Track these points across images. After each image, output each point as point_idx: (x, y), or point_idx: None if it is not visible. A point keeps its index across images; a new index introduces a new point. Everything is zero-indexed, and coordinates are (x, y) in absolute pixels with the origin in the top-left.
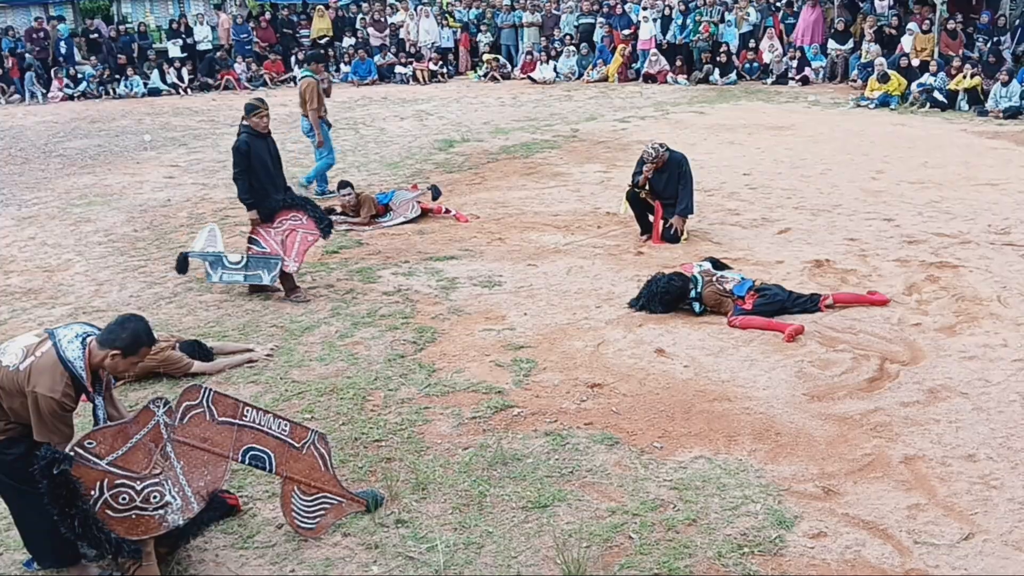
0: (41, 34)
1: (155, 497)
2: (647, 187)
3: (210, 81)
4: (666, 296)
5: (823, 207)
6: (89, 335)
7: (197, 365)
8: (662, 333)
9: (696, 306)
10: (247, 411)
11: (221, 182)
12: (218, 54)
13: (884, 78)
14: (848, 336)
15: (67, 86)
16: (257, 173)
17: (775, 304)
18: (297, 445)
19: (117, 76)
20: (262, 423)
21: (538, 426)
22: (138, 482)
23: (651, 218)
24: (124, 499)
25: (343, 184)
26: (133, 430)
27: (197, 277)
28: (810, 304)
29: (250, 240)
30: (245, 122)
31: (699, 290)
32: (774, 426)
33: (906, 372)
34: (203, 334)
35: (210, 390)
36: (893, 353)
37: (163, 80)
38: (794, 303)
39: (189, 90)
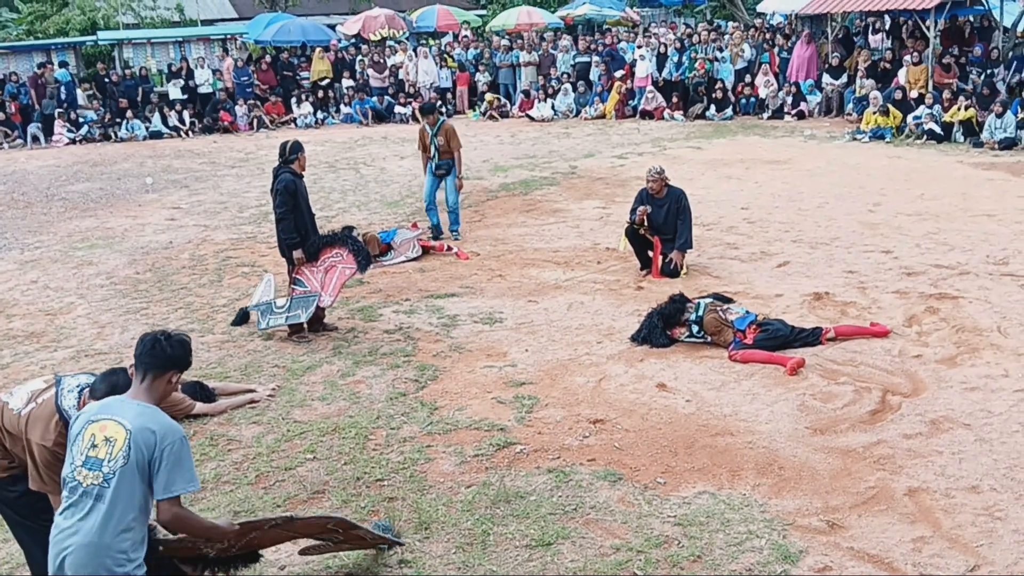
0: (43, 80)
1: None
2: (646, 223)
3: (212, 123)
4: (664, 313)
5: (821, 240)
6: (84, 388)
7: (199, 406)
8: (664, 368)
9: (694, 328)
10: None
11: (223, 223)
12: (219, 96)
13: (885, 112)
14: (849, 368)
15: (69, 130)
16: (302, 213)
17: (777, 339)
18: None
19: (119, 120)
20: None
21: (541, 463)
22: None
23: (650, 253)
24: None
25: (347, 229)
26: None
27: (198, 318)
28: (811, 338)
29: (294, 281)
30: (287, 163)
31: (700, 314)
32: (777, 460)
33: (908, 404)
34: (205, 375)
35: None
36: (895, 385)
37: (164, 123)
38: (796, 337)
39: (190, 133)
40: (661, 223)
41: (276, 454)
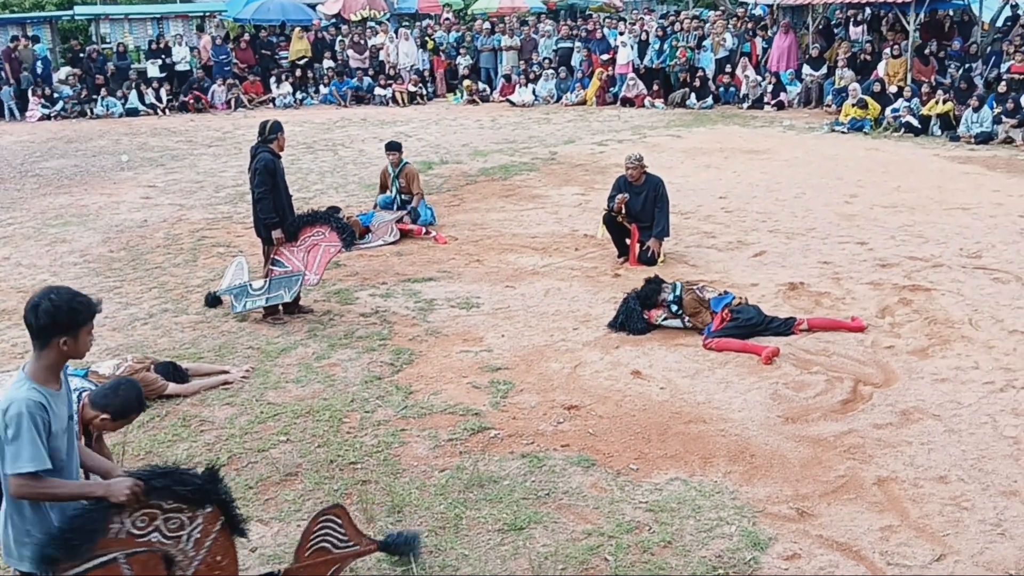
0: (16, 54)
1: None
2: (623, 211)
3: (189, 102)
4: (641, 295)
5: (797, 230)
6: (85, 391)
7: (172, 387)
8: (639, 355)
9: (673, 307)
10: None
11: (199, 203)
12: (197, 75)
13: (863, 104)
14: (822, 358)
15: (43, 105)
16: (280, 193)
17: (747, 327)
18: None
19: (95, 96)
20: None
21: (515, 448)
22: None
23: (628, 241)
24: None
25: (333, 209)
26: None
27: (172, 298)
28: (784, 328)
29: (273, 262)
30: (266, 142)
31: (678, 294)
32: (749, 448)
33: (879, 394)
34: (178, 355)
35: None
36: (866, 375)
37: (141, 100)
38: (767, 326)
39: (167, 111)
40: (639, 211)
41: (249, 436)
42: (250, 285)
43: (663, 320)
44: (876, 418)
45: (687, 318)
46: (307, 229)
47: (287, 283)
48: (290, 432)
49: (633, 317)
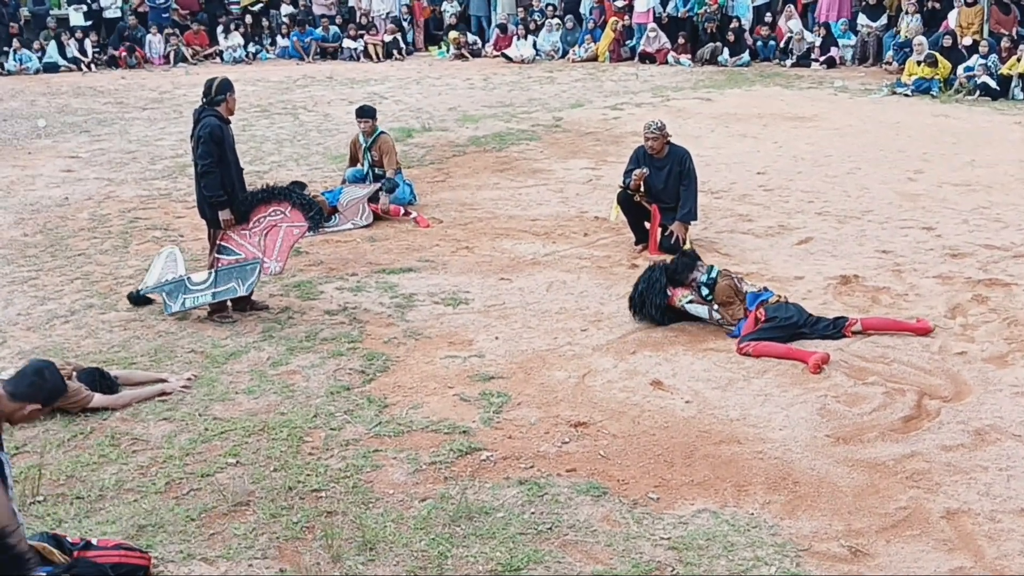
0: None
1: None
2: (642, 188)
3: (119, 55)
4: (669, 268)
5: (851, 213)
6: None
7: (98, 398)
8: (660, 362)
9: (703, 291)
10: None
11: (131, 177)
12: (129, 23)
13: (931, 62)
14: (880, 366)
15: None
16: (229, 166)
17: (786, 328)
18: None
19: (5, 48)
20: None
21: (511, 473)
22: None
23: (647, 224)
24: None
25: (296, 184)
26: None
27: (99, 292)
28: (832, 330)
29: (219, 249)
30: (213, 104)
31: (713, 276)
32: (792, 474)
33: (948, 410)
34: (106, 361)
35: None
36: (933, 387)
37: (62, 54)
38: (812, 328)
39: (93, 66)
40: (661, 188)
41: (191, 457)
42: (188, 279)
43: (686, 302)
44: (945, 438)
45: (716, 307)
46: (262, 208)
47: (240, 274)
48: (240, 453)
49: (654, 290)
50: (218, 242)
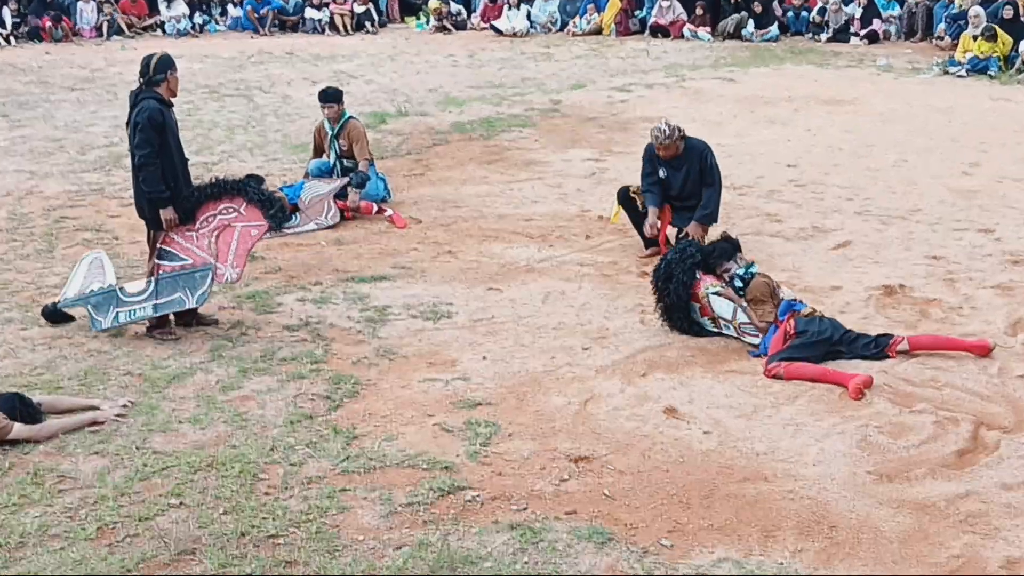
0: None
1: None
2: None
3: (43, 26)
4: (705, 251)
5: (896, 212)
6: None
7: (18, 428)
8: (674, 386)
9: (737, 282)
10: None
11: (56, 169)
12: None
13: (990, 36)
14: (930, 391)
15: None
16: (171, 156)
17: (819, 345)
18: None
19: None
20: None
21: (501, 516)
22: None
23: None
24: None
25: (253, 178)
26: None
27: (19, 304)
28: (875, 349)
29: (160, 254)
30: (152, 84)
31: (752, 271)
32: (828, 516)
33: (1009, 442)
34: (28, 385)
35: None
36: (991, 415)
37: None
38: (850, 346)
39: (13, 39)
40: (678, 190)
41: (127, 498)
42: (120, 289)
43: (712, 293)
44: (1004, 475)
45: (745, 305)
46: (210, 205)
47: (187, 282)
48: (184, 493)
49: (685, 265)
50: (159, 245)
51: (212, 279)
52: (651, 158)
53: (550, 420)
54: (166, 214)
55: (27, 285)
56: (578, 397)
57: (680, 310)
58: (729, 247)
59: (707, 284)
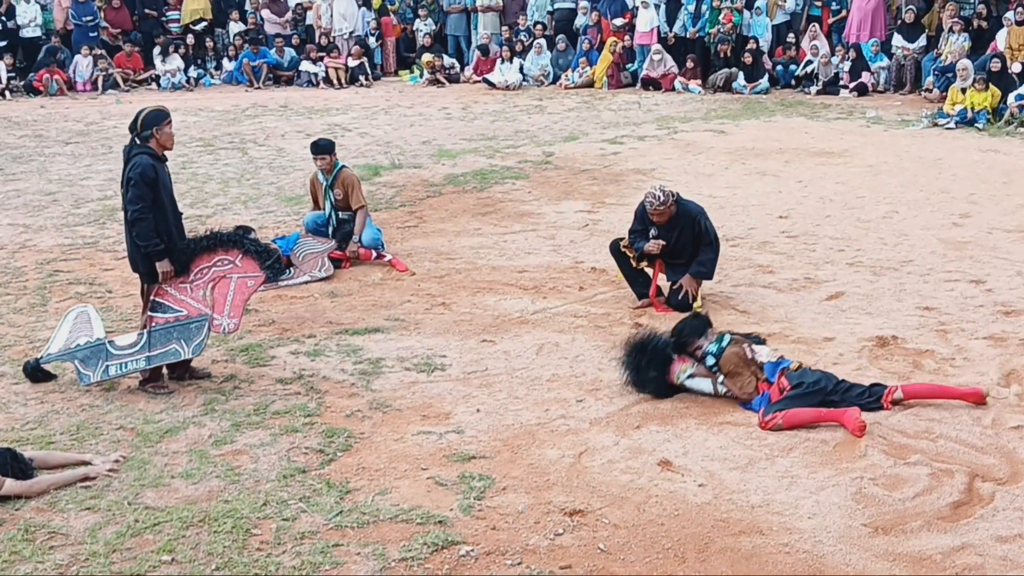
0: None
1: None
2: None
3: (39, 80)
4: (676, 332)
5: (888, 264)
6: None
7: (9, 484)
8: (668, 438)
9: (710, 360)
10: None
11: (51, 223)
12: (53, 43)
13: (980, 87)
14: (924, 443)
15: None
16: (164, 210)
17: (814, 395)
18: None
19: None
20: None
21: (495, 570)
22: None
23: (649, 273)
24: None
25: (243, 229)
26: None
27: (11, 358)
28: (869, 399)
29: (153, 306)
30: (143, 140)
31: (723, 345)
32: (824, 570)
33: (1004, 494)
34: (19, 440)
35: None
36: (986, 467)
37: None
38: (844, 395)
39: (8, 92)
40: (668, 249)
41: (118, 554)
42: (109, 343)
43: (686, 378)
44: (1000, 528)
45: (722, 379)
46: (204, 257)
47: (182, 333)
48: (176, 549)
49: (656, 361)
50: (152, 298)
51: (208, 329)
52: (642, 217)
53: (544, 473)
54: (162, 266)
55: (19, 339)
56: (572, 450)
57: (660, 393)
58: (699, 324)
59: (679, 370)
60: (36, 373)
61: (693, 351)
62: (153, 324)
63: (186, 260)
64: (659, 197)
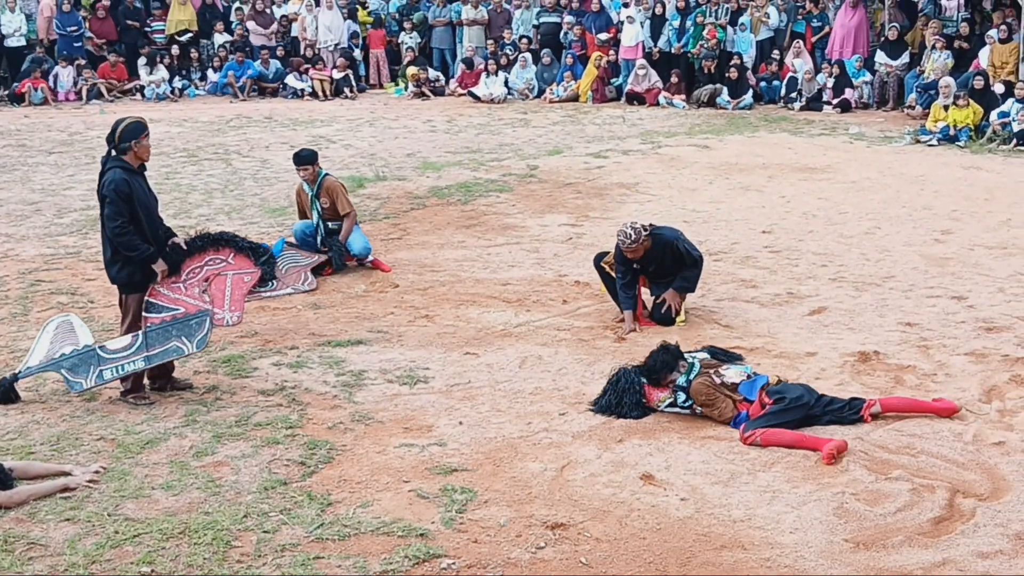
0: None
1: None
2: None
3: (22, 90)
4: (648, 367)
5: (870, 279)
6: None
7: None
8: (651, 452)
9: (680, 396)
10: None
11: (33, 232)
12: (36, 53)
13: (961, 104)
14: (905, 459)
15: None
16: (140, 222)
17: (796, 411)
18: None
19: None
20: None
21: None
22: None
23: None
24: None
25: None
26: None
27: None
28: (849, 412)
29: (147, 307)
30: (119, 152)
31: (691, 377)
32: None
33: (985, 510)
34: None
35: None
36: (967, 483)
37: None
38: (825, 410)
39: None
40: (651, 274)
41: (97, 565)
42: (100, 348)
43: (665, 407)
44: (981, 543)
45: (699, 411)
46: (196, 258)
47: (183, 330)
48: (156, 561)
49: (631, 392)
50: (146, 298)
51: (211, 323)
52: (622, 260)
53: (526, 486)
54: (158, 266)
55: (0, 349)
56: (555, 463)
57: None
58: (669, 358)
59: (658, 399)
60: (8, 394)
61: (667, 384)
62: (148, 324)
63: (177, 260)
64: (630, 235)
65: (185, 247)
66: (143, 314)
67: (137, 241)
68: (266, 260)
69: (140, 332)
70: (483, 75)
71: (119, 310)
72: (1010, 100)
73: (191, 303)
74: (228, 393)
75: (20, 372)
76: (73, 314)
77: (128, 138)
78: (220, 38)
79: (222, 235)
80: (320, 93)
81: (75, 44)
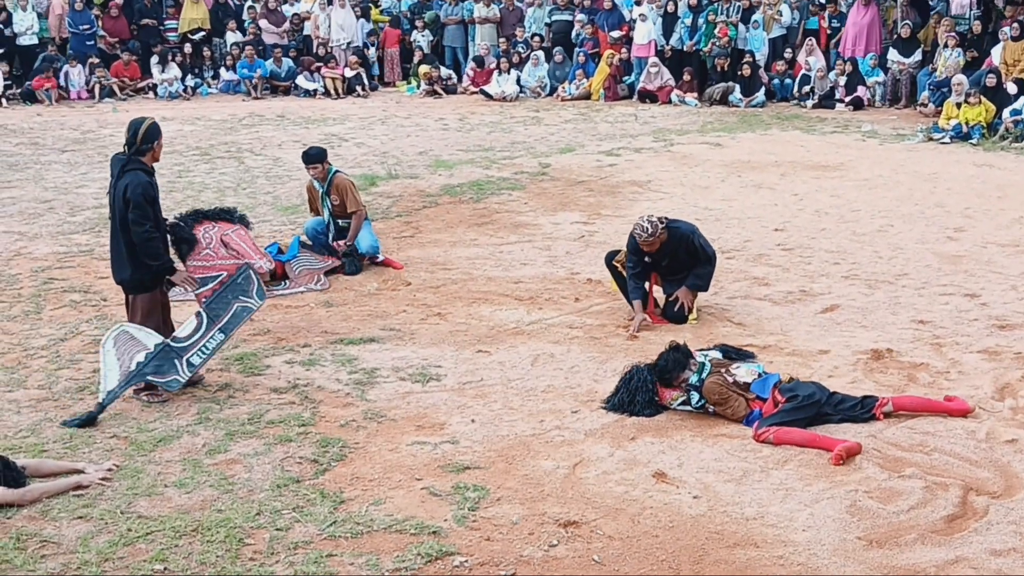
0: None
1: None
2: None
3: (35, 89)
4: (659, 366)
5: (883, 277)
6: None
7: (1, 493)
8: (663, 450)
9: (693, 395)
10: None
11: (46, 231)
12: (48, 52)
13: (974, 102)
14: (918, 456)
15: None
16: (160, 225)
17: (809, 408)
18: None
19: None
20: None
21: None
22: None
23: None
24: None
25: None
26: None
27: (5, 366)
28: (861, 411)
29: (202, 282)
30: (139, 153)
31: (703, 376)
32: None
33: (998, 507)
34: (12, 448)
35: None
36: (980, 481)
37: None
38: (837, 408)
39: (5, 100)
40: (664, 269)
41: (110, 563)
42: (171, 340)
43: (678, 405)
44: (994, 541)
45: (712, 410)
46: (197, 227)
47: (235, 291)
48: (169, 558)
49: (643, 391)
50: (188, 275)
51: (256, 274)
52: (636, 250)
53: (539, 484)
54: (178, 278)
55: (13, 346)
56: (567, 461)
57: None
58: (680, 356)
59: (670, 398)
60: (91, 421)
61: (679, 384)
62: (203, 300)
63: (186, 236)
64: (647, 228)
65: (182, 222)
66: (195, 293)
67: (162, 249)
68: (240, 216)
69: (200, 310)
70: (495, 73)
71: (126, 311)
72: (1022, 98)
73: (228, 264)
74: (241, 391)
75: (104, 400)
76: (123, 324)
77: (151, 139)
78: (232, 37)
79: (190, 213)
80: (332, 91)
81: (87, 42)
